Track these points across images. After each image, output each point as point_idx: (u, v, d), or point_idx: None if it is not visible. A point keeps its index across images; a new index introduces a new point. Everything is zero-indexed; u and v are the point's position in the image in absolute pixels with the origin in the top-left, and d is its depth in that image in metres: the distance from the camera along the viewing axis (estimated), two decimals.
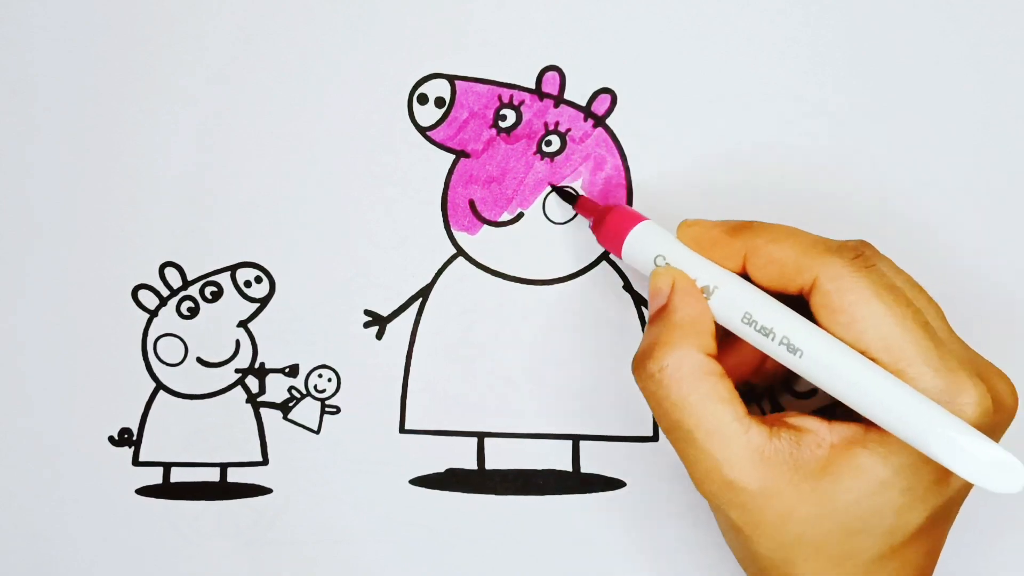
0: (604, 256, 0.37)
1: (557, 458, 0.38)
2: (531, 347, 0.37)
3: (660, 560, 0.37)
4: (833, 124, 0.36)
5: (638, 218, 0.32)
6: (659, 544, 0.37)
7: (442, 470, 0.38)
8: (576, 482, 0.38)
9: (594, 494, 0.37)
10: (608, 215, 0.33)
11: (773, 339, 0.28)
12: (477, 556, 0.38)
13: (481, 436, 0.38)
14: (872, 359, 0.27)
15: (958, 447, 0.25)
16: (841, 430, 0.28)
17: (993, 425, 0.27)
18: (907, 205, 0.36)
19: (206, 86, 0.37)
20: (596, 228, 0.33)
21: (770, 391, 0.36)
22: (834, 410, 0.30)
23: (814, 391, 0.36)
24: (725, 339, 0.30)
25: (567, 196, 0.36)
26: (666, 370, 0.28)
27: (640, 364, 0.29)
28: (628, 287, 0.37)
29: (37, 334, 0.38)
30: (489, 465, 0.38)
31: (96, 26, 0.37)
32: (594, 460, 0.37)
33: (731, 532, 0.30)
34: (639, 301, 0.37)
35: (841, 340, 0.27)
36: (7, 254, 0.38)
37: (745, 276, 0.30)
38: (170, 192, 0.37)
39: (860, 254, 0.28)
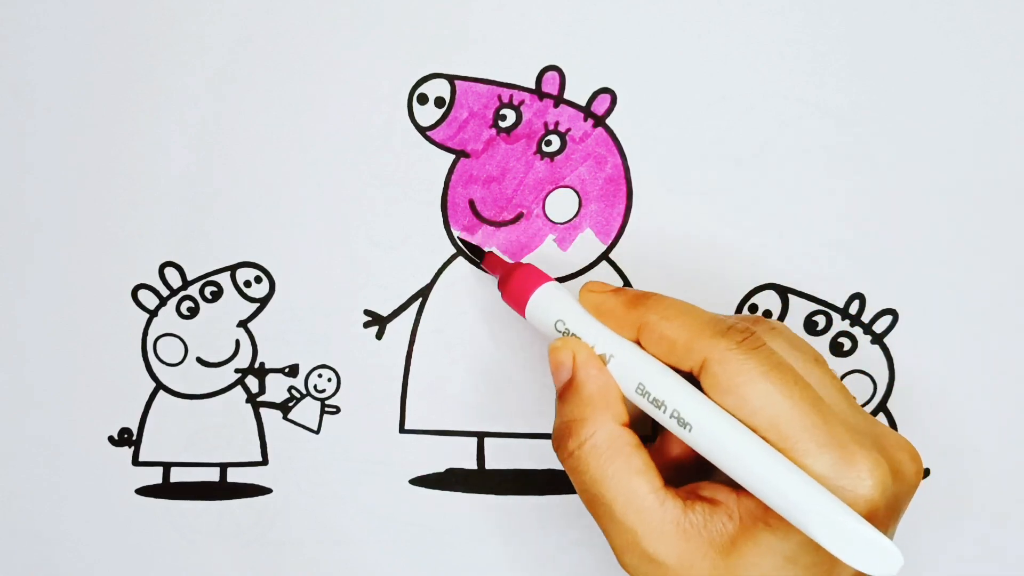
0: (604, 256, 0.37)
1: (557, 458, 0.37)
2: (531, 347, 0.37)
3: None
4: (833, 124, 0.36)
5: (541, 279, 0.32)
6: None
7: (442, 470, 0.38)
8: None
9: None
10: (512, 275, 0.33)
11: (664, 411, 0.28)
12: (477, 556, 0.38)
13: (481, 436, 0.38)
14: (762, 437, 0.27)
15: (836, 530, 0.25)
16: (747, 504, 0.28)
17: (893, 496, 0.27)
18: (907, 205, 0.36)
19: (206, 86, 0.37)
20: (501, 287, 0.33)
21: None
22: None
23: None
24: None
25: (474, 251, 0.36)
26: (584, 445, 0.29)
27: (560, 443, 0.30)
28: (628, 287, 0.37)
29: (37, 334, 0.38)
30: (489, 465, 0.38)
31: (96, 26, 0.37)
32: None
33: None
34: None
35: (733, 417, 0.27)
36: (7, 254, 0.38)
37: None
38: (170, 192, 0.37)
39: (749, 335, 0.28)
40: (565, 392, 0.30)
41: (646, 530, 0.28)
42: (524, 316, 0.32)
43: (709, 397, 0.28)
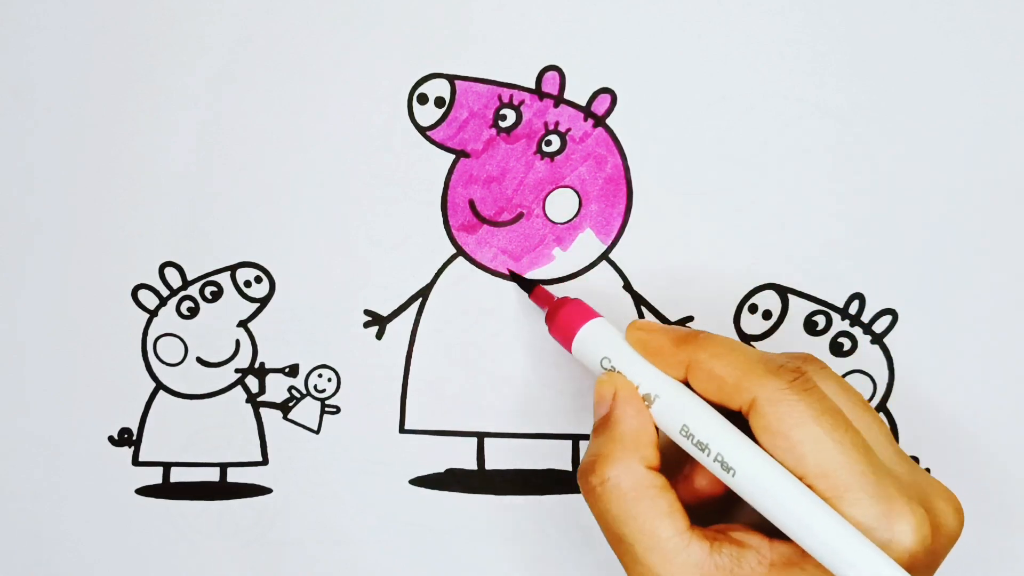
0: (604, 256, 0.37)
1: (557, 458, 0.38)
2: (531, 347, 0.37)
3: None
4: (833, 124, 0.36)
5: (589, 315, 0.32)
6: None
7: (442, 470, 0.38)
8: (576, 482, 0.38)
9: None
10: (560, 310, 0.33)
11: (708, 454, 0.28)
12: (477, 556, 0.38)
13: (481, 436, 0.38)
14: (809, 485, 0.27)
15: None
16: (781, 549, 0.28)
17: (932, 551, 0.27)
18: (907, 205, 0.36)
19: (206, 86, 0.37)
20: (549, 321, 0.33)
21: None
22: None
23: None
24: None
25: (524, 284, 0.36)
26: (607, 483, 0.29)
27: (583, 477, 0.30)
28: (628, 287, 0.37)
29: (37, 334, 0.38)
30: (489, 465, 0.38)
31: (96, 26, 0.37)
32: None
33: None
34: (639, 301, 0.37)
35: (780, 462, 0.27)
36: (7, 254, 0.38)
37: (691, 386, 0.30)
38: (170, 192, 0.37)
39: (800, 375, 0.28)
40: (599, 427, 0.30)
41: (668, 571, 0.28)
42: (571, 351, 0.32)
43: (757, 437, 0.28)
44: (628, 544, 0.28)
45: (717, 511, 0.31)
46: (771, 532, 0.28)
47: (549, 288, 0.36)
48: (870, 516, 0.26)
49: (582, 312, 0.32)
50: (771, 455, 0.27)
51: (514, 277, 0.37)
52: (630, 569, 0.29)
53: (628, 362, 0.30)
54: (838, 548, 0.25)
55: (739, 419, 0.29)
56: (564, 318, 0.33)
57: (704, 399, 0.29)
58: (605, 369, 0.31)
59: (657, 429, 0.30)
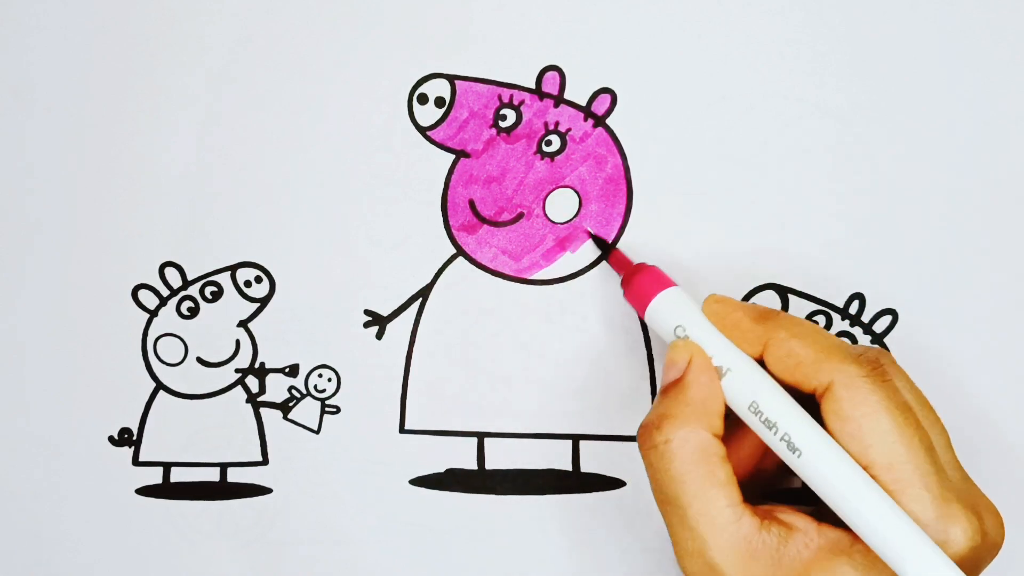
0: (604, 256, 0.37)
1: (557, 458, 0.38)
2: (531, 347, 0.37)
3: (660, 560, 0.37)
4: (833, 124, 0.36)
5: (666, 283, 0.32)
6: (659, 544, 0.37)
7: (442, 470, 0.38)
8: (576, 482, 0.38)
9: (594, 494, 0.37)
10: (637, 275, 0.33)
11: (776, 433, 0.28)
12: (477, 556, 0.38)
13: (481, 436, 0.38)
14: (872, 475, 0.27)
15: None
16: (829, 535, 0.28)
17: (978, 559, 0.27)
18: (907, 205, 0.36)
19: (206, 86, 0.37)
20: (625, 285, 0.34)
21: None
22: (825, 509, 0.31)
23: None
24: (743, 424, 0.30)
25: (603, 246, 0.36)
26: (671, 443, 0.29)
27: (646, 433, 0.30)
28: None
29: (37, 334, 0.38)
30: (489, 465, 0.38)
31: (96, 26, 0.37)
32: (594, 460, 0.37)
33: None
34: None
35: (846, 450, 0.27)
36: (7, 254, 0.38)
37: (763, 364, 0.30)
38: (170, 192, 0.37)
39: (878, 366, 0.28)
40: (669, 388, 0.30)
41: (716, 541, 0.28)
42: (643, 317, 0.32)
43: (826, 420, 0.28)
44: (680, 507, 0.28)
45: (756, 492, 0.31)
46: (820, 517, 0.28)
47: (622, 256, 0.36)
48: (928, 515, 0.27)
49: (659, 279, 0.32)
50: (838, 439, 0.28)
51: (593, 238, 0.36)
52: (676, 531, 0.29)
53: (703, 333, 0.30)
54: (898, 542, 0.26)
55: (808, 404, 0.29)
56: (640, 284, 0.32)
57: (777, 378, 0.29)
58: (679, 337, 0.31)
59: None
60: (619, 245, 0.37)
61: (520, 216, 0.37)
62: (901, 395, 0.28)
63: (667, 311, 0.32)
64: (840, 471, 0.27)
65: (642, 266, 0.33)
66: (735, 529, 0.28)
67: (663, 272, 0.33)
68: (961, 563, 0.26)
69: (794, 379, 0.29)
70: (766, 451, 0.32)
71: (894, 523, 0.26)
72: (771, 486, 0.35)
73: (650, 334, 0.37)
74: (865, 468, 0.27)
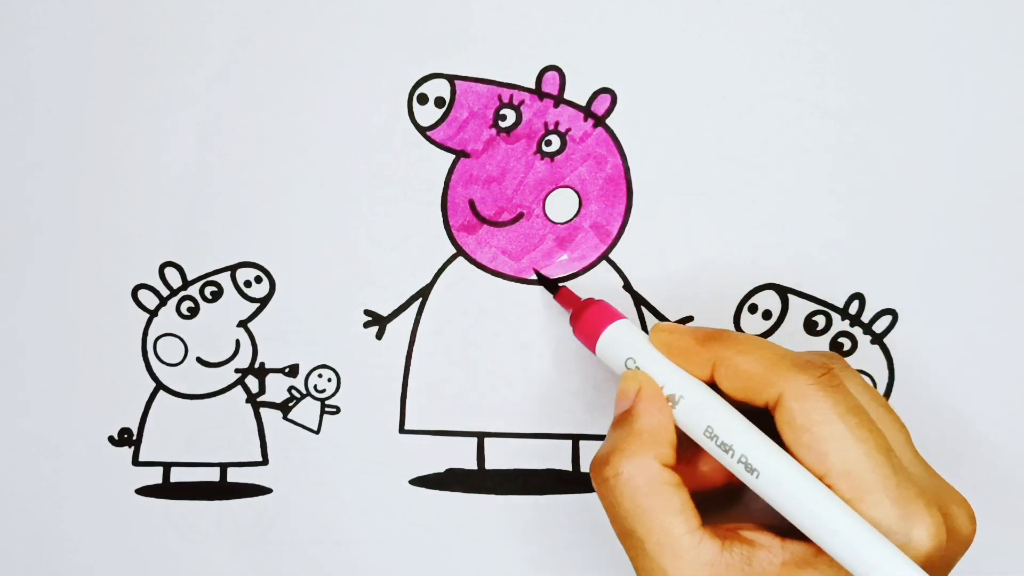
0: (604, 256, 0.37)
1: (557, 458, 0.38)
2: (531, 347, 0.37)
3: None
4: (833, 124, 0.36)
5: (613, 317, 0.32)
6: None
7: (442, 470, 0.38)
8: (576, 482, 0.38)
9: (594, 494, 0.37)
10: (585, 311, 0.33)
11: (732, 456, 0.28)
12: (477, 556, 0.38)
13: (481, 436, 0.38)
14: (830, 484, 0.27)
15: None
16: (794, 549, 0.28)
17: (946, 555, 0.27)
18: (907, 205, 0.36)
19: (206, 86, 0.37)
20: (573, 322, 0.34)
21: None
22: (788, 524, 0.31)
23: None
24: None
25: (549, 285, 0.36)
26: (620, 477, 0.29)
27: (597, 468, 0.29)
28: (628, 287, 0.37)
29: (37, 334, 0.38)
30: (489, 465, 0.38)
31: (96, 26, 0.37)
32: None
33: None
34: (639, 301, 0.37)
35: (802, 461, 0.27)
36: (7, 254, 0.38)
37: (715, 386, 0.30)
38: (170, 192, 0.37)
39: (827, 371, 0.28)
40: (619, 421, 0.30)
41: (677, 567, 0.28)
42: (595, 352, 0.32)
43: (781, 434, 0.28)
44: (638, 539, 0.28)
45: (716, 508, 0.31)
46: (783, 532, 0.28)
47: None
48: (889, 518, 0.26)
49: (607, 313, 0.32)
50: (794, 451, 0.28)
51: (540, 278, 0.37)
52: (638, 564, 0.29)
53: (653, 363, 0.30)
54: (861, 551, 0.26)
55: (761, 420, 0.29)
56: (589, 319, 0.33)
57: (729, 397, 0.29)
58: (628, 369, 0.31)
59: (677, 430, 0.30)
60: (616, 247, 0.37)
61: (520, 216, 0.37)
62: (853, 399, 0.28)
63: (617, 344, 0.32)
64: (798, 487, 0.27)
65: (590, 301, 0.33)
66: (696, 555, 0.28)
67: (611, 305, 0.33)
68: (928, 562, 0.26)
69: (745, 396, 0.29)
70: (727, 475, 0.32)
71: (856, 533, 0.26)
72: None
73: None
74: (822, 477, 0.27)
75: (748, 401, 0.29)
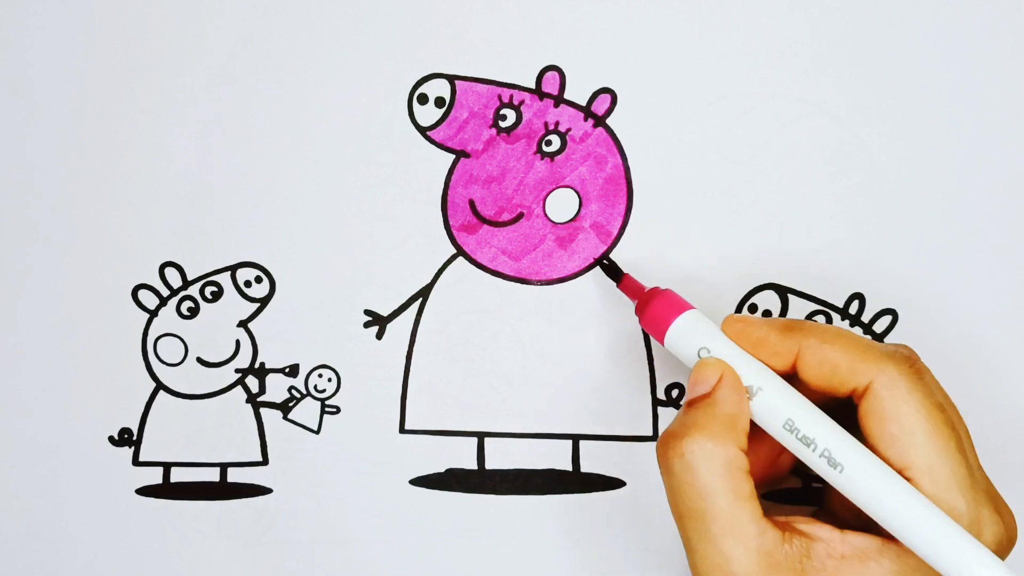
0: (604, 256, 0.37)
1: (557, 458, 0.38)
2: (531, 347, 0.37)
3: (660, 560, 0.37)
4: (833, 124, 0.36)
5: (683, 306, 0.32)
6: (659, 544, 0.37)
7: (442, 470, 0.38)
8: (576, 482, 0.38)
9: (594, 494, 0.37)
10: (652, 301, 0.32)
11: (814, 450, 0.28)
12: (477, 556, 0.38)
13: (481, 436, 0.38)
14: (910, 478, 0.27)
15: None
16: (855, 541, 0.28)
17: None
18: (907, 205, 0.36)
19: (206, 86, 0.37)
20: (639, 312, 0.33)
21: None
22: (836, 513, 0.31)
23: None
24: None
25: (612, 273, 0.36)
26: (697, 454, 0.28)
27: (672, 443, 0.29)
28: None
29: (37, 334, 0.38)
30: (489, 465, 0.38)
31: (96, 26, 0.37)
32: (594, 460, 0.37)
33: None
34: None
35: (883, 452, 0.27)
36: (7, 254, 0.38)
37: (789, 377, 0.30)
38: (170, 192, 0.37)
39: (915, 362, 0.28)
40: (696, 402, 0.30)
41: (738, 554, 0.27)
42: (662, 343, 0.32)
43: (864, 423, 0.28)
44: (703, 521, 0.28)
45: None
46: (841, 523, 0.28)
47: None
48: (962, 519, 0.27)
49: (676, 302, 0.32)
50: (875, 441, 0.28)
51: (603, 265, 0.36)
52: (697, 547, 0.28)
53: (728, 353, 0.30)
54: (952, 552, 0.26)
55: (835, 413, 0.29)
56: (656, 309, 0.32)
57: (811, 387, 0.29)
58: (707, 357, 0.30)
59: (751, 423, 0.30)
60: (617, 247, 0.37)
61: (520, 216, 0.37)
62: (935, 395, 0.28)
63: (689, 334, 0.31)
64: (883, 483, 0.27)
65: (655, 291, 0.33)
66: (759, 543, 0.28)
67: (678, 295, 0.33)
68: None
69: (830, 385, 0.29)
70: (775, 460, 0.32)
71: (947, 533, 0.26)
72: (769, 488, 0.35)
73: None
74: (903, 470, 0.27)
75: (831, 391, 0.29)
